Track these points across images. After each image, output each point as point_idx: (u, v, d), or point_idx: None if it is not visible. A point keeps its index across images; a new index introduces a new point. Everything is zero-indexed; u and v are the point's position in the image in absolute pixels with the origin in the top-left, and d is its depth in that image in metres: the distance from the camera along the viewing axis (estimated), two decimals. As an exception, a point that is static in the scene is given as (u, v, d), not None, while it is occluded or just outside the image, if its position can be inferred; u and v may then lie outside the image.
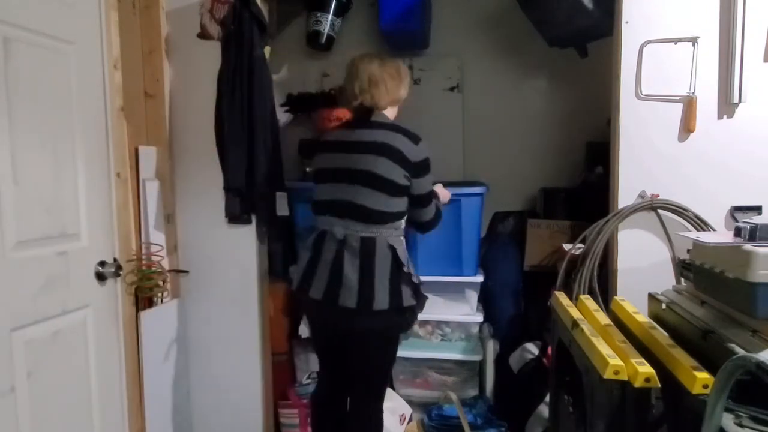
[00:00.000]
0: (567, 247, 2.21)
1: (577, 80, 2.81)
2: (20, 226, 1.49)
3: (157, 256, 2.09)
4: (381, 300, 1.77)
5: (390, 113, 1.99)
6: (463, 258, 2.40)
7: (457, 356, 2.50)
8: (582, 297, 1.79)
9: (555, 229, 2.57)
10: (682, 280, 1.76)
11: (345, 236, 1.82)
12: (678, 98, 1.96)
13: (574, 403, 1.57)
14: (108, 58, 1.82)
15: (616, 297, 1.75)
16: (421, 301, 1.93)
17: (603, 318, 1.57)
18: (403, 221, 1.92)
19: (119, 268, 1.83)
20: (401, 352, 2.52)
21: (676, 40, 1.94)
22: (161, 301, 2.13)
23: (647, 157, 1.99)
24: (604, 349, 1.29)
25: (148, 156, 2.12)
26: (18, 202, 1.49)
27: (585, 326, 1.46)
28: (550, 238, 2.55)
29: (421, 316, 2.49)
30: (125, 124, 1.93)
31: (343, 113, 2.50)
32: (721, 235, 1.55)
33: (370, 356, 1.92)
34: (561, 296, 1.77)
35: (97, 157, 1.79)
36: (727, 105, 1.92)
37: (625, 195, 2.02)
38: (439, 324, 2.55)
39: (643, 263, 1.99)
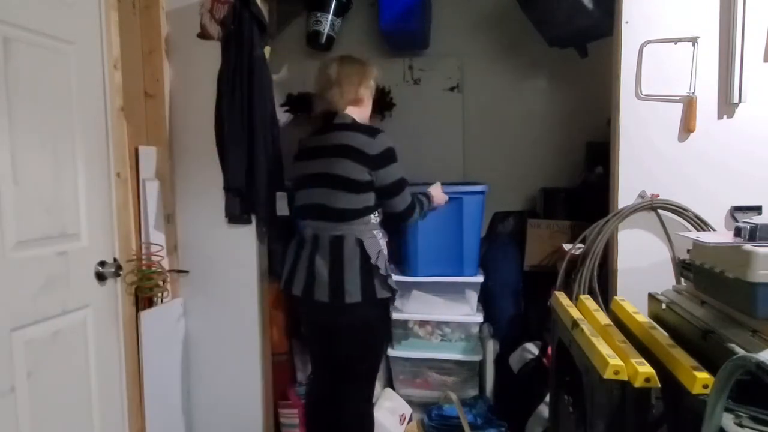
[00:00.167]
0: (567, 247, 2.21)
1: (577, 80, 2.81)
2: (20, 226, 1.50)
3: (157, 256, 2.09)
4: (352, 293, 1.88)
5: (356, 112, 2.04)
6: (464, 258, 2.40)
7: (457, 356, 2.50)
8: (582, 297, 1.79)
9: (555, 229, 2.57)
10: (682, 280, 1.76)
11: (317, 236, 1.96)
12: (678, 98, 1.96)
13: (574, 403, 1.57)
14: (108, 58, 1.82)
15: (616, 297, 1.75)
16: (393, 294, 2.01)
17: (603, 318, 1.56)
18: (373, 216, 1.97)
19: (119, 268, 1.83)
20: (401, 352, 2.54)
21: (676, 40, 1.94)
22: (161, 301, 2.13)
23: (647, 157, 1.99)
24: (604, 349, 1.29)
25: (148, 156, 2.12)
26: (18, 202, 1.49)
27: (585, 326, 1.46)
28: (550, 238, 2.55)
29: (421, 316, 2.52)
30: (125, 124, 1.93)
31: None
32: (721, 235, 1.55)
33: (352, 350, 1.99)
34: (561, 296, 1.77)
35: (97, 157, 1.79)
36: (727, 105, 1.92)
37: (625, 195, 2.02)
38: (439, 324, 2.55)
39: (643, 263, 1.99)
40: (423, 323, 2.56)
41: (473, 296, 2.49)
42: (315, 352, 2.22)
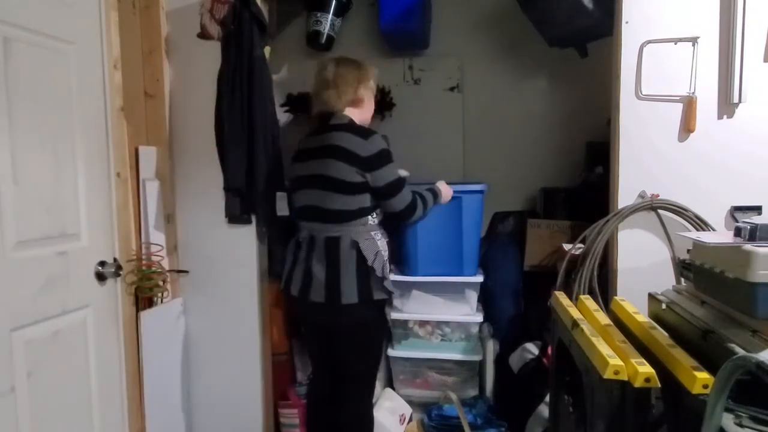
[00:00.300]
0: (567, 247, 2.21)
1: (577, 80, 2.81)
2: (20, 226, 1.50)
3: (157, 256, 2.09)
4: (348, 294, 1.88)
5: (355, 114, 2.03)
6: (464, 258, 2.40)
7: (457, 356, 2.50)
8: (582, 297, 1.79)
9: (555, 229, 2.57)
10: (682, 280, 1.76)
11: (314, 238, 1.96)
12: (678, 98, 1.96)
13: (574, 403, 1.57)
14: (108, 58, 1.82)
15: (616, 297, 1.75)
16: (389, 296, 2.02)
17: (603, 318, 1.56)
18: (370, 217, 1.97)
19: (119, 268, 1.83)
20: (401, 352, 2.54)
21: (676, 40, 1.94)
22: (161, 301, 2.13)
23: (647, 157, 1.99)
24: (604, 349, 1.29)
25: (148, 156, 2.12)
26: (18, 202, 1.49)
27: (585, 326, 1.46)
28: (550, 238, 2.55)
29: (421, 316, 2.52)
30: (125, 124, 1.93)
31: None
32: (721, 235, 1.55)
33: (349, 351, 1.99)
34: (561, 296, 1.76)
35: (97, 157, 1.79)
36: (727, 105, 1.92)
37: (625, 195, 2.02)
38: (439, 324, 2.55)
39: (643, 263, 1.99)
40: (423, 323, 2.56)
41: (473, 296, 2.49)
42: (314, 353, 2.22)
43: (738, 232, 1.32)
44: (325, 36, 2.77)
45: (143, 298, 2.04)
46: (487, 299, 2.58)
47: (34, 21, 1.55)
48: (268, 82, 2.12)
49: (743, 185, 1.93)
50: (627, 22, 1.97)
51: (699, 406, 1.04)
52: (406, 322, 2.54)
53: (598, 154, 2.46)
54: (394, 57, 2.94)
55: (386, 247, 2.01)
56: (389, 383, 2.64)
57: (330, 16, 2.75)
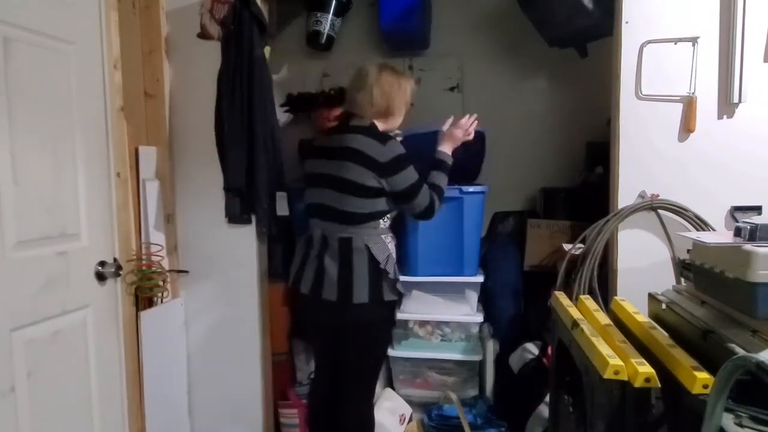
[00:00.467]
0: (567, 247, 2.21)
1: (577, 80, 2.81)
2: (20, 226, 1.50)
3: (157, 256, 2.09)
4: (360, 294, 1.89)
5: (380, 122, 2.02)
6: (465, 258, 2.40)
7: (457, 356, 2.50)
8: (582, 297, 1.79)
9: (555, 229, 2.57)
10: (682, 280, 1.76)
11: (326, 237, 1.96)
12: (678, 98, 1.96)
13: (574, 403, 1.57)
14: (108, 58, 1.82)
15: (616, 297, 1.75)
16: (400, 297, 2.04)
17: (603, 318, 1.56)
18: (382, 221, 1.98)
19: (119, 268, 1.83)
20: (401, 352, 2.54)
21: (676, 40, 1.94)
22: (161, 301, 2.13)
23: (647, 157, 1.99)
24: (604, 349, 1.29)
25: (148, 156, 2.12)
26: (18, 202, 1.49)
27: (585, 326, 1.46)
28: (550, 238, 2.55)
29: (421, 316, 2.52)
30: (125, 124, 1.93)
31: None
32: (721, 235, 1.55)
33: (355, 350, 1.99)
34: (561, 296, 1.76)
35: (97, 157, 1.79)
36: (727, 105, 1.92)
37: (625, 195, 2.02)
38: (439, 324, 2.55)
39: (643, 263, 1.99)
40: (423, 323, 2.56)
41: (473, 296, 2.49)
42: (318, 352, 2.22)
43: (738, 232, 1.32)
44: (325, 36, 2.77)
45: (143, 298, 2.04)
46: (487, 299, 2.58)
47: (34, 21, 1.55)
48: (268, 82, 2.12)
49: (743, 185, 1.93)
50: (627, 22, 1.97)
51: (699, 406, 1.04)
52: (406, 322, 2.54)
53: (598, 154, 2.46)
54: (394, 57, 2.94)
55: (395, 250, 2.03)
56: (389, 383, 2.64)
57: (330, 16, 2.75)
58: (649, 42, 1.96)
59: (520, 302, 2.60)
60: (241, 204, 2.16)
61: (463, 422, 2.26)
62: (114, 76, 1.85)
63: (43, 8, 1.59)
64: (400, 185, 1.92)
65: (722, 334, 1.26)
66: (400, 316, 2.49)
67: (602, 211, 2.10)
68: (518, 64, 2.90)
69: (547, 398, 1.95)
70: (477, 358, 2.49)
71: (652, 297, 1.69)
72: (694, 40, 1.93)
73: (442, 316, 2.51)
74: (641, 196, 2.01)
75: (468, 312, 2.49)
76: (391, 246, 2.02)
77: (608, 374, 1.21)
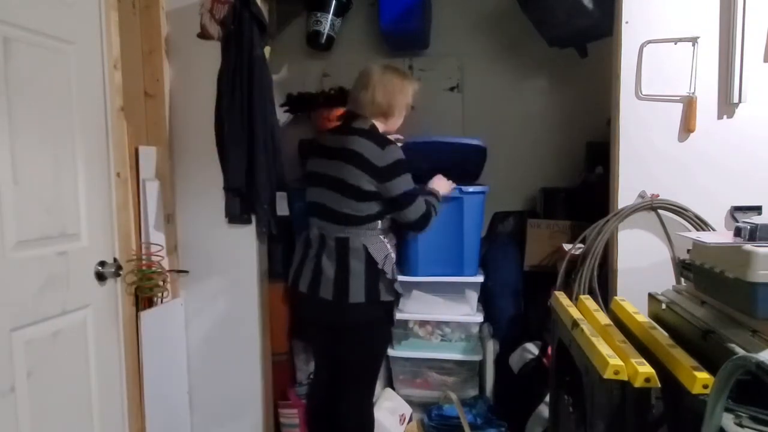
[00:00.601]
0: (567, 247, 2.21)
1: (577, 80, 2.81)
2: (20, 226, 1.50)
3: (157, 256, 2.09)
4: (356, 293, 1.91)
5: (380, 123, 2.03)
6: (465, 258, 2.40)
7: (457, 356, 2.50)
8: (582, 297, 1.79)
9: (555, 229, 2.57)
10: (682, 280, 1.76)
11: (323, 236, 1.99)
12: (678, 98, 1.96)
13: (574, 403, 1.57)
14: (108, 58, 1.82)
15: (616, 297, 1.75)
16: (397, 297, 2.06)
17: (603, 318, 1.57)
18: (379, 222, 1.99)
19: (119, 268, 1.83)
20: (401, 352, 2.54)
21: (676, 40, 1.94)
22: (161, 301, 2.13)
23: (647, 157, 1.99)
24: (604, 349, 1.29)
25: (148, 156, 2.12)
26: (18, 202, 1.49)
27: (585, 326, 1.46)
28: (550, 238, 2.55)
29: (421, 316, 2.52)
30: (125, 124, 1.93)
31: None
32: (721, 235, 1.55)
33: (353, 350, 2.00)
34: (561, 296, 1.77)
35: (97, 157, 1.79)
36: (727, 105, 1.92)
37: (625, 195, 2.02)
38: (439, 324, 2.55)
39: (643, 263, 1.99)
40: (423, 323, 2.56)
41: (473, 296, 2.49)
42: (318, 352, 2.23)
43: (738, 232, 1.32)
44: (325, 36, 2.77)
45: (143, 298, 2.04)
46: (487, 299, 2.58)
47: (34, 21, 1.55)
48: (268, 82, 2.12)
49: (743, 185, 1.93)
50: (627, 22, 1.97)
51: (699, 406, 1.04)
52: (406, 322, 2.54)
53: (598, 154, 2.46)
54: (394, 57, 2.94)
55: (394, 250, 2.04)
56: (389, 383, 2.64)
57: (330, 16, 2.75)
58: (649, 42, 1.96)
59: (520, 302, 2.60)
60: (241, 204, 2.16)
61: (463, 422, 2.26)
62: (114, 76, 1.85)
63: (43, 8, 1.59)
64: (394, 191, 1.93)
65: (722, 334, 1.26)
66: (399, 316, 2.49)
67: (602, 211, 2.10)
68: (518, 64, 2.90)
69: (547, 398, 1.95)
70: (477, 358, 2.49)
71: (652, 297, 1.69)
72: (694, 40, 1.93)
73: (442, 316, 2.51)
74: (641, 196, 2.01)
75: (468, 312, 2.49)
76: (390, 246, 2.02)
77: (608, 374, 1.21)
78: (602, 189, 2.17)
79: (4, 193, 1.45)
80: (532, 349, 2.37)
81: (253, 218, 2.20)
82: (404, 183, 1.94)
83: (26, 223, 1.52)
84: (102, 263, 1.78)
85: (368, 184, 1.90)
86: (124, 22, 1.94)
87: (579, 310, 1.64)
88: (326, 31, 2.76)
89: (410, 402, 2.58)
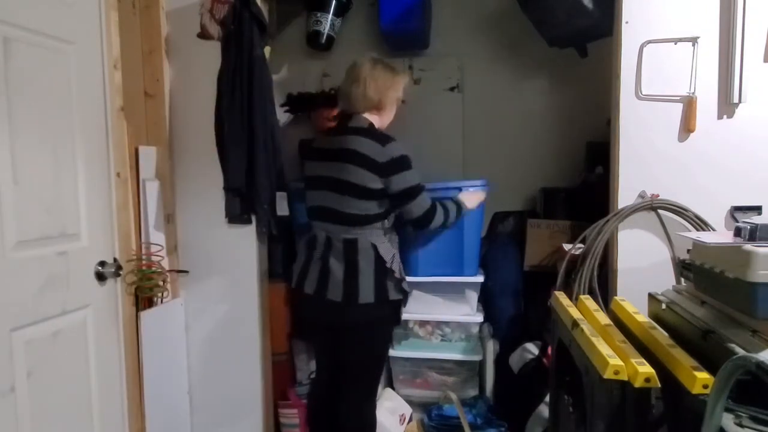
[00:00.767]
0: (567, 247, 2.21)
1: (577, 80, 2.81)
2: (20, 226, 1.50)
3: (157, 256, 2.09)
4: (366, 294, 1.90)
5: (375, 118, 2.02)
6: (465, 258, 2.40)
7: (457, 356, 2.50)
8: (582, 297, 1.79)
9: (555, 229, 2.57)
10: (682, 280, 1.76)
11: (330, 239, 1.97)
12: (678, 98, 1.96)
13: (574, 403, 1.57)
14: (108, 58, 1.82)
15: (616, 297, 1.75)
16: (405, 296, 2.04)
17: (603, 318, 1.57)
18: (386, 221, 1.99)
19: (119, 268, 1.83)
20: (401, 352, 2.54)
21: (676, 40, 1.94)
22: (161, 301, 2.13)
23: (647, 157, 1.99)
24: (604, 349, 1.29)
25: (148, 156, 2.12)
26: (18, 202, 1.49)
27: (585, 326, 1.46)
28: (550, 238, 2.55)
29: (421, 316, 2.52)
30: (125, 124, 1.93)
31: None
32: (721, 235, 1.55)
33: (359, 349, 1.99)
34: (561, 296, 1.77)
35: (97, 157, 1.79)
36: (727, 105, 1.92)
37: (625, 195, 2.02)
38: (439, 324, 2.55)
39: (643, 263, 1.99)
40: (423, 323, 2.56)
41: (473, 296, 2.49)
42: (320, 352, 2.22)
43: (738, 232, 1.32)
44: (325, 36, 2.77)
45: (143, 298, 2.04)
46: (487, 299, 2.58)
47: (34, 21, 1.55)
48: (268, 82, 2.12)
49: (743, 185, 1.93)
50: (627, 22, 1.97)
51: (699, 406, 1.04)
52: (406, 322, 2.54)
53: (598, 154, 2.46)
54: (394, 57, 2.92)
55: (398, 249, 2.04)
56: (389, 383, 2.64)
57: (330, 16, 2.75)
58: (649, 42, 1.96)
59: (520, 302, 2.60)
60: (241, 204, 2.16)
61: (463, 422, 2.26)
62: (114, 76, 1.85)
63: (43, 8, 1.59)
64: (397, 185, 1.92)
65: (722, 334, 1.26)
66: (399, 316, 2.49)
67: (602, 211, 2.10)
68: (518, 64, 2.90)
69: (547, 398, 1.95)
70: (477, 358, 2.49)
71: (652, 297, 1.69)
72: (694, 40, 1.93)
73: (442, 316, 2.52)
74: (641, 196, 2.01)
75: (468, 312, 2.49)
76: (395, 246, 2.03)
77: (608, 374, 1.21)
78: (602, 189, 2.17)
79: (4, 193, 1.45)
80: (532, 349, 2.37)
81: (253, 218, 2.20)
82: (407, 178, 1.93)
83: (26, 223, 1.52)
84: (102, 263, 1.78)
85: (373, 181, 1.89)
86: (124, 22, 1.94)
87: (579, 310, 1.64)
88: (326, 31, 2.76)
89: (410, 402, 2.58)
